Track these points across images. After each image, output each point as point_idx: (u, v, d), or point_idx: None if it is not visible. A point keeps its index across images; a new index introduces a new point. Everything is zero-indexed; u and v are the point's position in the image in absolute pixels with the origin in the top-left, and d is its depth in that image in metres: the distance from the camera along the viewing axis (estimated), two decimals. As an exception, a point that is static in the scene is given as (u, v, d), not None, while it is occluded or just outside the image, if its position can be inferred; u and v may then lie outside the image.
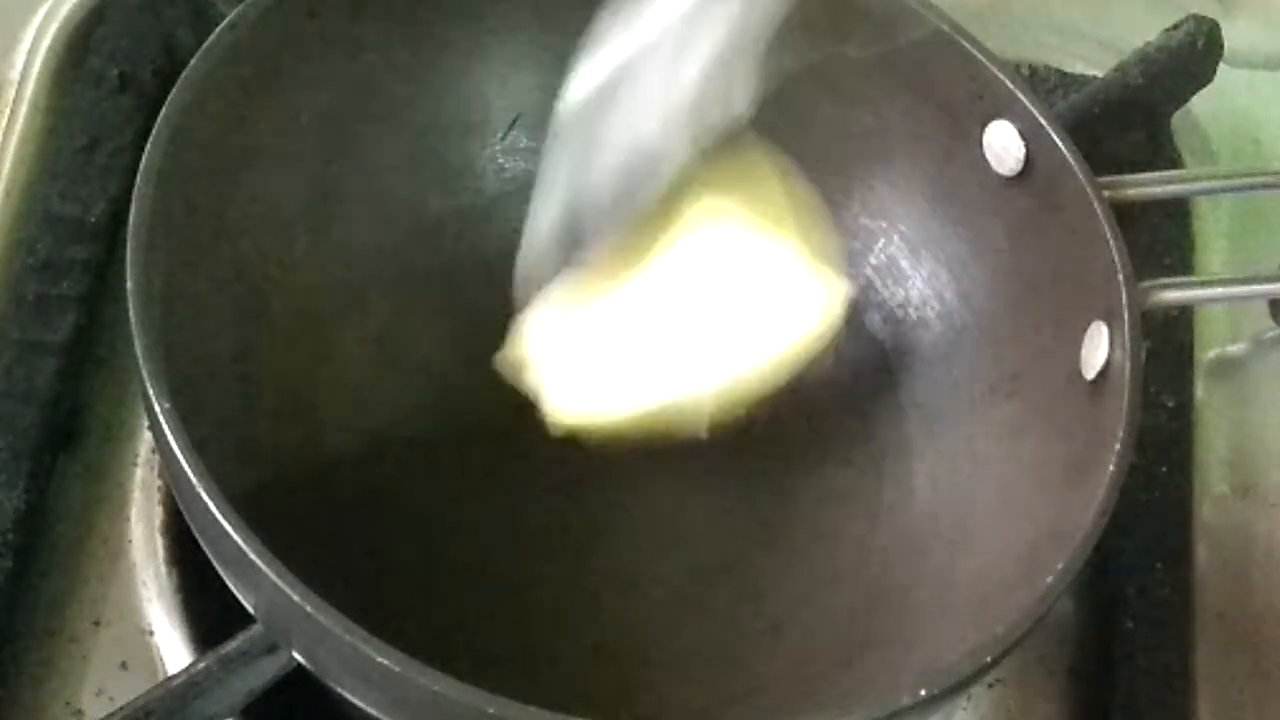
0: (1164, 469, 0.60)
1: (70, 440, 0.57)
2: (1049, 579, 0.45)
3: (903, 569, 0.54)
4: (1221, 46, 0.66)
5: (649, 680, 0.53)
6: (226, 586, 0.45)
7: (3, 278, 0.58)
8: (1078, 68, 0.70)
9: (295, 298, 0.55)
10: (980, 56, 0.55)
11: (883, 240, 0.59)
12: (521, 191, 0.60)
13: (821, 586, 0.55)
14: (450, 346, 0.58)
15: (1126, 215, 0.53)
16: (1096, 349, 0.50)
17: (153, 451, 0.56)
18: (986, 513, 0.53)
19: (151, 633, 0.54)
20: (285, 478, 0.52)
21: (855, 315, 0.59)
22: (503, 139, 0.60)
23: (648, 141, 0.48)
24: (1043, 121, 0.53)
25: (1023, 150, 0.54)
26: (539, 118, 0.60)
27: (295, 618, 0.42)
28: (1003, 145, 0.54)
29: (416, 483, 0.55)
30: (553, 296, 0.52)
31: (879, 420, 0.58)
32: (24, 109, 0.63)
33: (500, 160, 0.60)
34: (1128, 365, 0.49)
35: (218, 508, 0.43)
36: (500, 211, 0.60)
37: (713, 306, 0.53)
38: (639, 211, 0.50)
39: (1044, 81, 0.70)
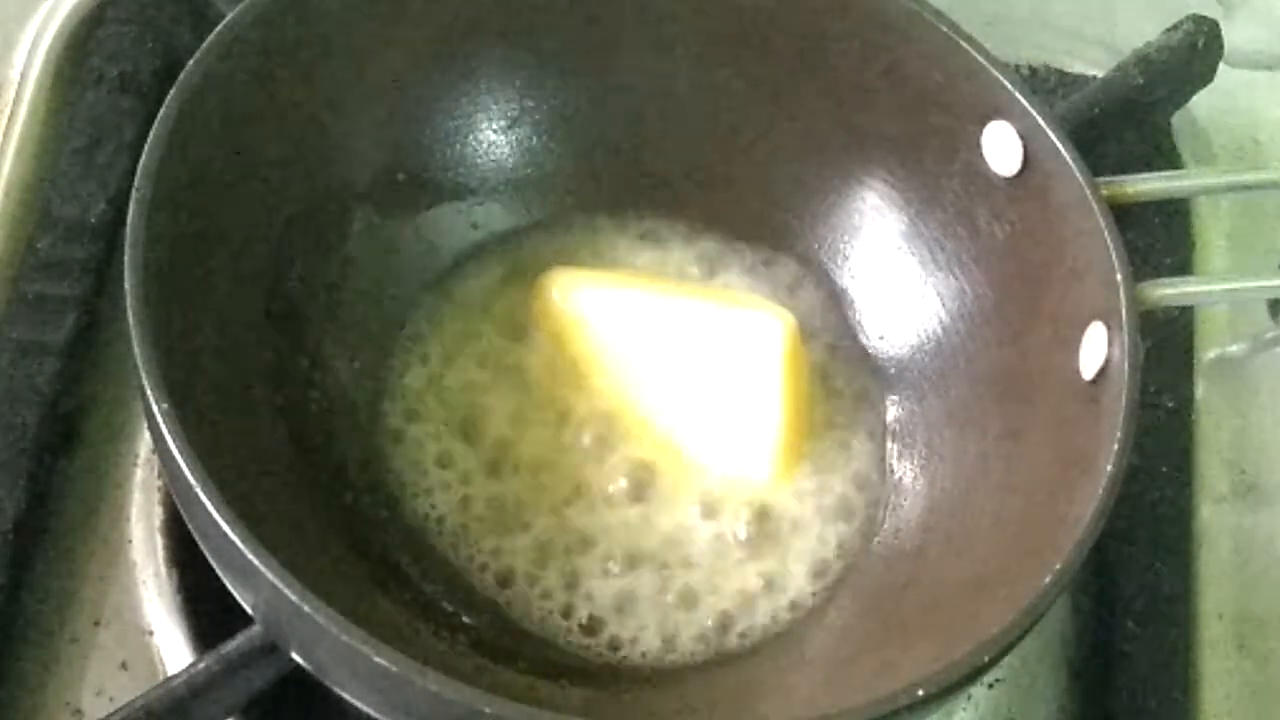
0: (1164, 469, 0.60)
1: (70, 440, 0.57)
2: (1048, 579, 0.45)
3: (902, 569, 0.54)
4: (1221, 46, 0.66)
5: (650, 680, 0.53)
6: (226, 586, 0.45)
7: (3, 278, 0.59)
8: (1078, 68, 0.70)
9: (294, 296, 0.55)
10: (979, 57, 0.55)
11: (882, 240, 0.59)
12: (519, 185, 0.60)
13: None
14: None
15: (1126, 215, 0.53)
16: (1095, 349, 0.50)
17: (153, 452, 0.56)
18: (986, 513, 0.53)
19: (151, 633, 0.54)
20: (284, 479, 0.52)
21: (854, 316, 0.60)
22: (501, 136, 0.60)
23: None
24: (1041, 122, 0.53)
25: (1021, 150, 0.54)
26: (537, 117, 0.60)
27: (294, 618, 0.42)
28: (1001, 145, 0.54)
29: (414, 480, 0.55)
30: None
31: (877, 419, 0.58)
32: (24, 109, 0.63)
33: (498, 159, 0.60)
34: (1126, 365, 0.49)
35: (216, 509, 0.43)
36: (496, 205, 0.60)
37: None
38: None
39: (1044, 81, 0.70)
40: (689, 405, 0.56)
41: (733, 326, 0.55)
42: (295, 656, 0.45)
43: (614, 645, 0.53)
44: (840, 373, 0.59)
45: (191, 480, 0.43)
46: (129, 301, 0.45)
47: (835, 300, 0.60)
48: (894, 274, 0.59)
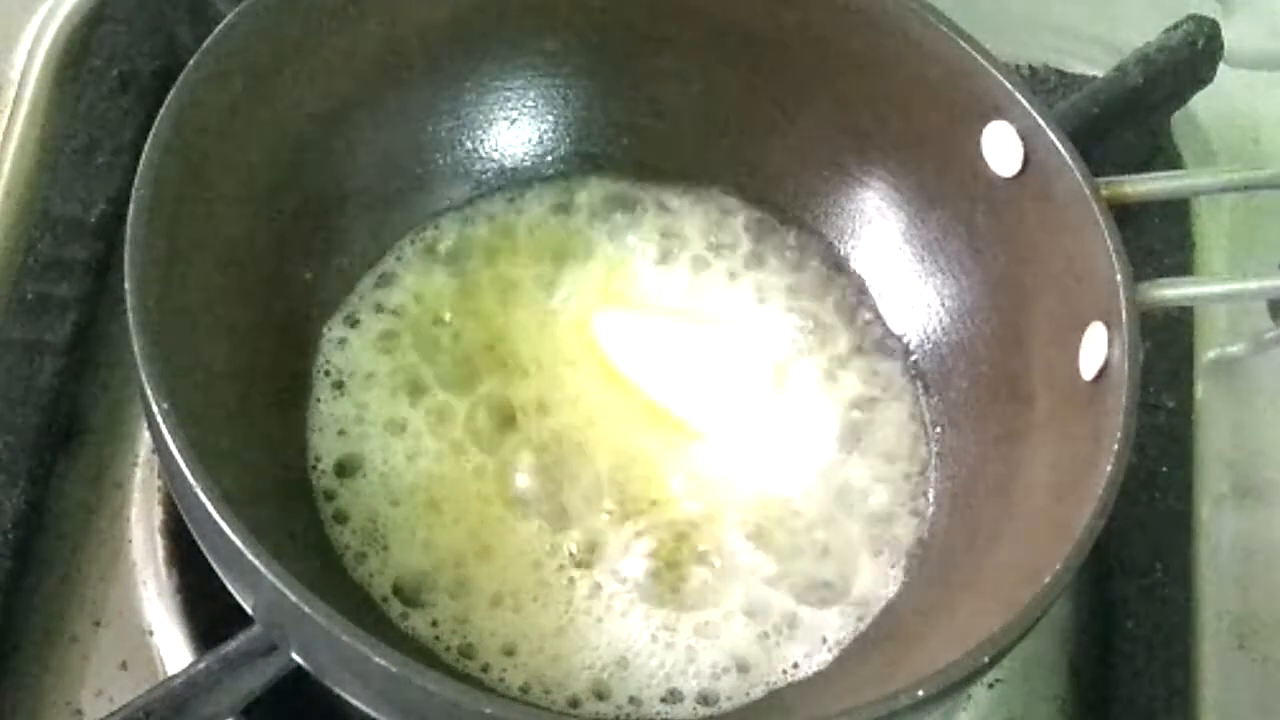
0: (1164, 469, 0.60)
1: (70, 440, 0.57)
2: (1048, 579, 0.45)
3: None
4: (1221, 46, 0.66)
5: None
6: (226, 586, 0.45)
7: (3, 278, 0.59)
8: (1078, 68, 0.70)
9: (293, 298, 0.55)
10: (979, 57, 0.55)
11: (881, 240, 0.59)
12: (520, 184, 0.60)
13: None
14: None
15: (1126, 215, 0.53)
16: (1095, 349, 0.50)
17: (153, 452, 0.56)
18: (985, 513, 0.53)
19: (151, 633, 0.54)
20: (284, 479, 0.52)
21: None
22: (503, 135, 0.60)
23: None
24: (1040, 122, 0.53)
25: (1021, 150, 0.54)
26: (540, 117, 0.60)
27: (293, 618, 0.42)
28: (1001, 145, 0.54)
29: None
30: None
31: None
32: (24, 109, 0.63)
33: (500, 158, 0.60)
34: (1126, 365, 0.49)
35: (216, 509, 0.43)
36: (497, 203, 0.60)
37: None
38: None
39: (1044, 81, 0.70)
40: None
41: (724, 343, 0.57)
42: (295, 656, 0.45)
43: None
44: (838, 375, 0.59)
45: (191, 480, 0.43)
46: (129, 301, 0.45)
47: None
48: (893, 274, 0.59)
